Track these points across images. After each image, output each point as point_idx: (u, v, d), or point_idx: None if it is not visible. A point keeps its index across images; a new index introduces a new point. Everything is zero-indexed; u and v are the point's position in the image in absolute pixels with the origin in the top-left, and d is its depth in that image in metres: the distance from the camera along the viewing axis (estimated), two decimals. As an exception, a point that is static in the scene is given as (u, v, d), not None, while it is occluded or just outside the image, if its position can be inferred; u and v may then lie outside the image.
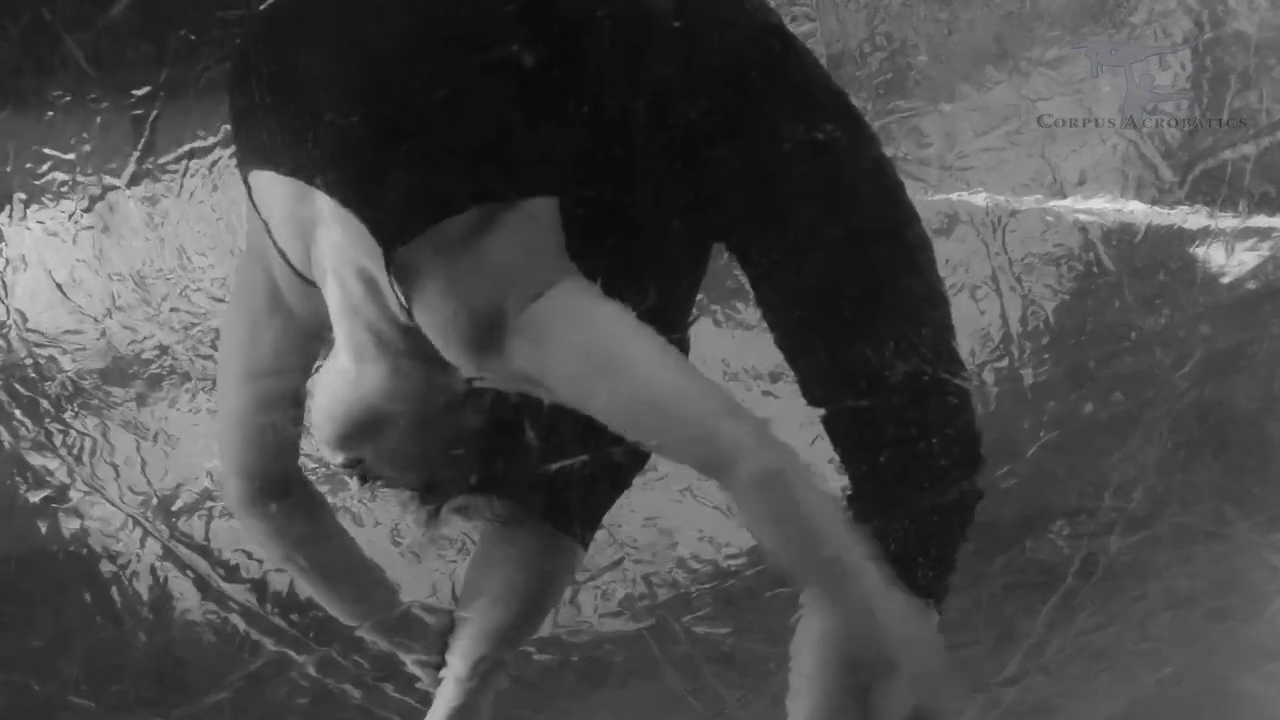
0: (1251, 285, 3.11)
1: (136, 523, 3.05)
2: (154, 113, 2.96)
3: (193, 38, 2.90)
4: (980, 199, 3.05)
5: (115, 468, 3.07)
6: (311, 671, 2.97)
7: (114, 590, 3.04)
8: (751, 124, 1.85)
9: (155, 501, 3.06)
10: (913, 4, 3.02)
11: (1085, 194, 3.09)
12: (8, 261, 3.03)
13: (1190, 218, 3.09)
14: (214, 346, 3.09)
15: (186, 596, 3.06)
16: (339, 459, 1.87)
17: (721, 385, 1.82)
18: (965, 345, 3.09)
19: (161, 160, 3.00)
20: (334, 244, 1.76)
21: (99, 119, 2.97)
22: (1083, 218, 3.10)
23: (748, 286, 2.01)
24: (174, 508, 3.07)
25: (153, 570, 3.05)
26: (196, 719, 3.00)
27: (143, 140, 2.99)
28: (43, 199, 3.01)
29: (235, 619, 3.04)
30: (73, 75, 2.92)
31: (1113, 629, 3.03)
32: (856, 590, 1.75)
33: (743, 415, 1.77)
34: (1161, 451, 3.08)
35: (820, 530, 1.74)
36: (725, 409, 1.77)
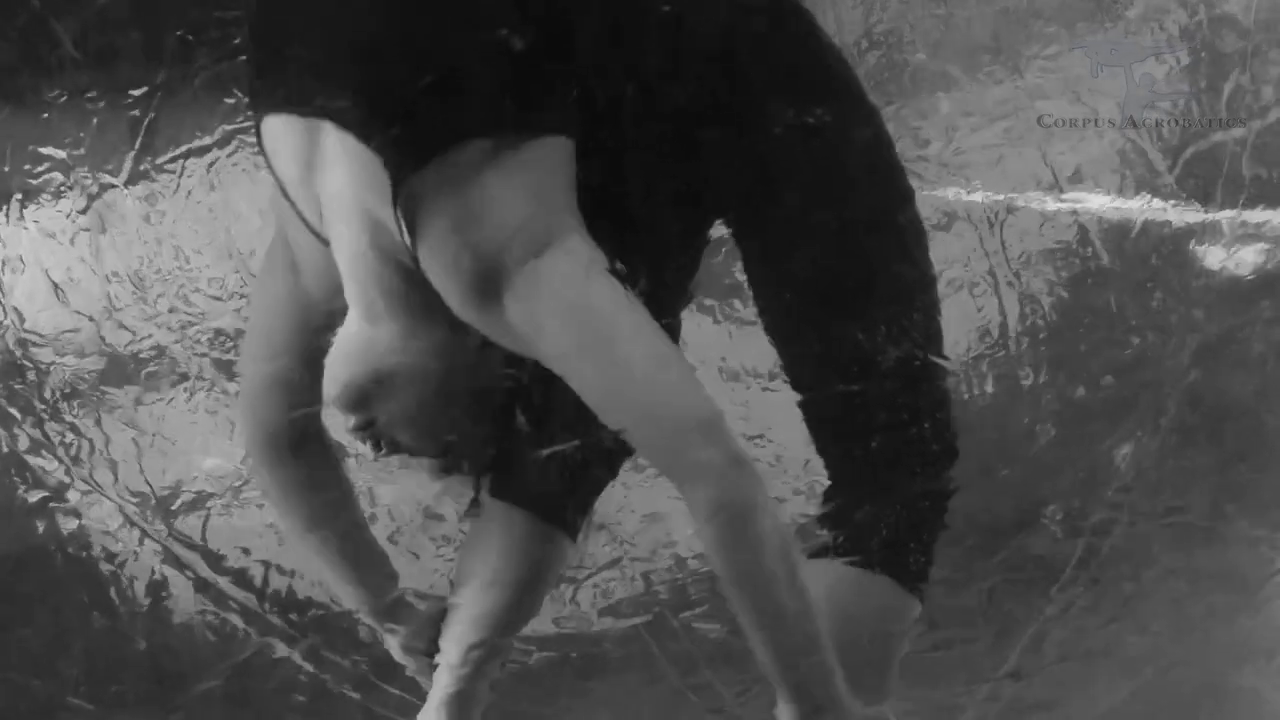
0: (1247, 278, 3.12)
1: (134, 523, 3.05)
2: (151, 112, 2.96)
3: (190, 38, 2.90)
4: (978, 195, 3.05)
5: (113, 468, 3.07)
6: (299, 660, 2.97)
7: (112, 590, 3.04)
8: (740, 107, 1.84)
9: (153, 501, 3.06)
10: (909, 0, 3.03)
11: (1082, 190, 3.09)
12: (5, 261, 3.03)
13: (1186, 212, 3.10)
14: (211, 346, 3.09)
15: (185, 596, 3.06)
16: (350, 422, 1.86)
17: (707, 394, 1.78)
18: (963, 341, 3.10)
19: (159, 160, 3.00)
20: (341, 187, 1.75)
21: (96, 119, 2.97)
22: (1080, 213, 3.11)
23: (747, 286, 2.01)
24: (172, 507, 3.07)
25: (151, 570, 3.05)
26: (195, 718, 3.00)
27: (139, 140, 2.99)
28: (40, 199, 3.01)
29: (234, 618, 3.04)
30: (69, 74, 2.92)
31: (1111, 623, 3.04)
32: (796, 638, 1.74)
33: (717, 434, 1.73)
34: (1159, 446, 3.09)
35: (773, 575, 1.72)
36: (701, 421, 1.73)
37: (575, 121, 1.76)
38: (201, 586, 3.05)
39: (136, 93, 2.94)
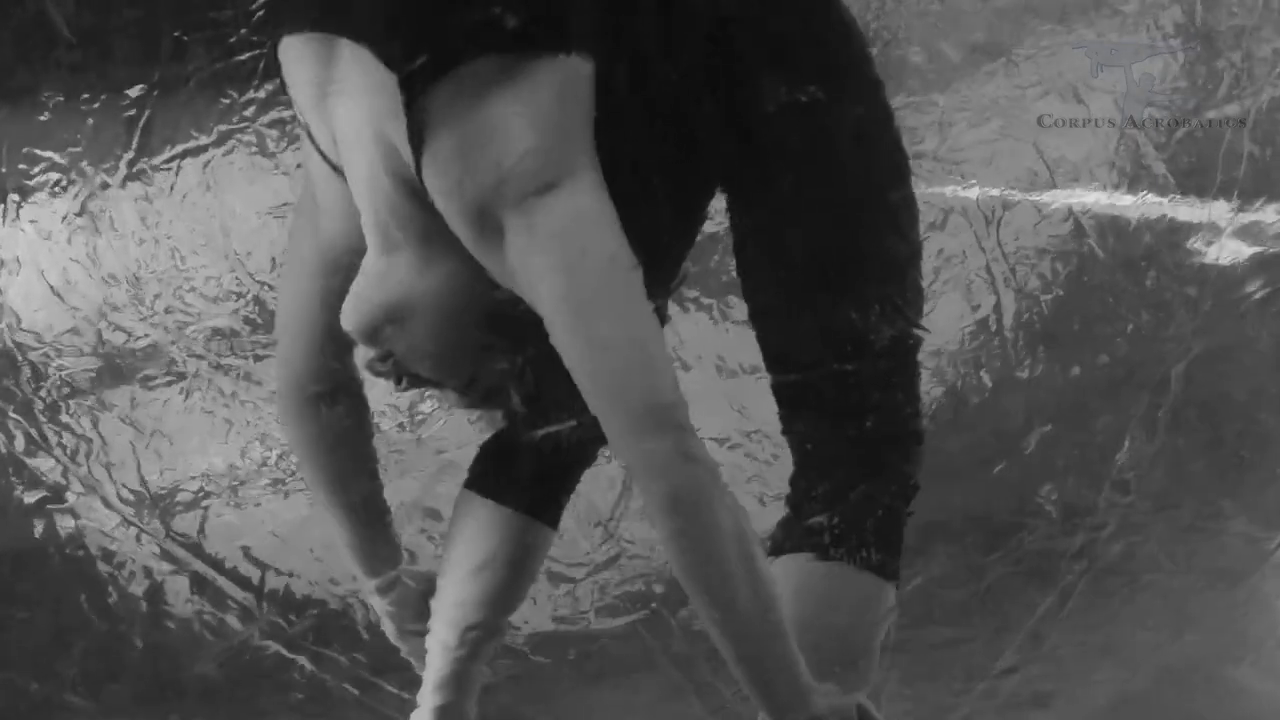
0: (1243, 275, 3.13)
1: (131, 522, 3.05)
2: (147, 113, 2.96)
3: (185, 38, 2.90)
4: (974, 192, 3.06)
5: (110, 468, 3.07)
6: (296, 658, 2.98)
7: (110, 590, 3.04)
8: (731, 83, 1.83)
9: (150, 501, 3.06)
10: (905, -2, 3.04)
11: (1078, 185, 3.10)
12: (1, 262, 3.03)
13: (1182, 209, 3.10)
14: (208, 346, 3.09)
15: (182, 595, 3.06)
16: (369, 355, 1.84)
17: (673, 383, 1.73)
18: (960, 338, 3.11)
19: (154, 160, 3.00)
20: (354, 108, 1.73)
21: (91, 119, 2.97)
22: (1075, 208, 3.11)
23: (735, 273, 2.00)
24: (169, 507, 3.07)
25: (148, 570, 3.05)
26: (193, 717, 3.00)
27: (135, 140, 2.99)
28: (36, 199, 3.01)
29: (231, 618, 3.04)
30: (65, 75, 2.92)
31: (1109, 620, 3.04)
32: (753, 632, 1.73)
33: (672, 425, 1.68)
34: (1156, 443, 3.09)
35: (727, 572, 1.69)
36: (656, 409, 1.69)
37: (594, 39, 1.71)
38: (199, 586, 3.05)
39: (132, 93, 2.94)
